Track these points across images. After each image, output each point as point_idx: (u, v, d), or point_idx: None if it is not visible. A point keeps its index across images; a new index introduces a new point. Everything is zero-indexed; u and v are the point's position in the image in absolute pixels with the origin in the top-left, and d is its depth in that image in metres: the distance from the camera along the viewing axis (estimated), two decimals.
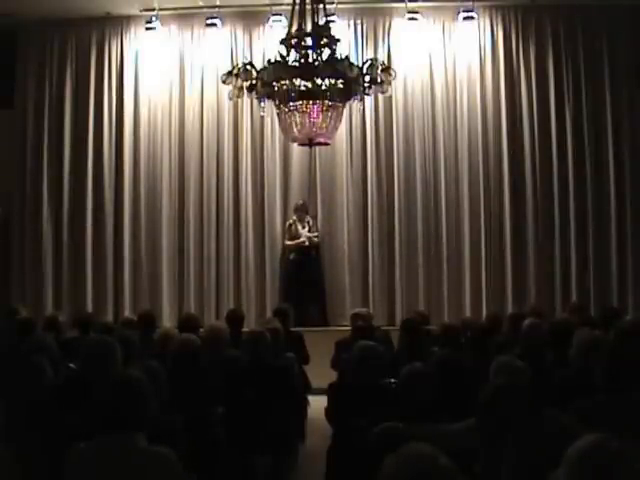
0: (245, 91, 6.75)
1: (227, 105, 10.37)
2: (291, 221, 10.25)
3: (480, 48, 10.53)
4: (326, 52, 6.67)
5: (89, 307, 10.24)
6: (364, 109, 8.80)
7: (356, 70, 6.64)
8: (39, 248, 10.61)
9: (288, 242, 10.22)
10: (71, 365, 4.92)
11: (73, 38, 10.83)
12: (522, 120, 10.45)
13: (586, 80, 10.41)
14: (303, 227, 10.20)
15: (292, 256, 10.18)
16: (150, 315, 7.05)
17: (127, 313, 9.69)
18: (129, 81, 10.73)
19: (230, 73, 6.77)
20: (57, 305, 10.34)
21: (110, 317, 9.93)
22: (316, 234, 10.25)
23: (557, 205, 10.32)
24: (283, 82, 6.56)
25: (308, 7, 6.69)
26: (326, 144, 7.38)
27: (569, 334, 5.04)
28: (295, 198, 10.46)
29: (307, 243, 10.14)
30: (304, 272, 10.10)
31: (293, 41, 6.68)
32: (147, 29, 10.44)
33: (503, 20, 10.57)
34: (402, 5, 10.27)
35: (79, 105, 10.75)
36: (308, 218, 10.26)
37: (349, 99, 6.77)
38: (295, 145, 8.47)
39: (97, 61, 10.76)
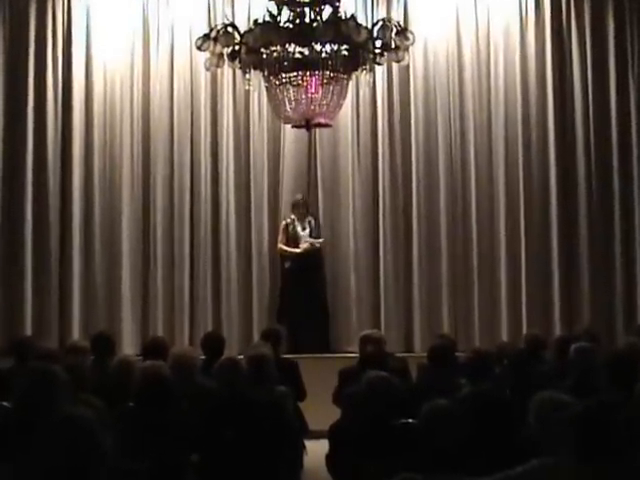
0: (226, 59, 6.78)
1: (204, 77, 10.38)
2: (289, 220, 10.17)
3: (520, 4, 10.55)
4: (327, 10, 6.70)
5: (27, 329, 10.23)
6: (374, 82, 8.82)
7: (364, 33, 6.67)
8: None
9: (282, 246, 10.15)
10: (4, 404, 4.91)
11: None
12: (573, 95, 10.46)
13: None
14: (304, 229, 10.13)
15: (288, 264, 10.13)
16: (107, 338, 7.06)
17: (76, 336, 9.70)
18: (79, 45, 10.67)
19: (207, 37, 6.80)
20: None
21: (55, 342, 9.93)
22: (320, 240, 10.19)
23: (618, 198, 10.30)
24: (273, 48, 6.59)
25: None
26: (327, 126, 7.41)
27: (634, 363, 5.05)
28: (289, 194, 10.44)
29: (304, 248, 10.04)
30: (303, 284, 10.04)
31: None
32: None
33: None
34: None
35: (16, 75, 10.68)
36: (310, 218, 10.21)
37: (355, 69, 6.80)
38: (289, 127, 8.48)
39: (38, 20, 10.67)
